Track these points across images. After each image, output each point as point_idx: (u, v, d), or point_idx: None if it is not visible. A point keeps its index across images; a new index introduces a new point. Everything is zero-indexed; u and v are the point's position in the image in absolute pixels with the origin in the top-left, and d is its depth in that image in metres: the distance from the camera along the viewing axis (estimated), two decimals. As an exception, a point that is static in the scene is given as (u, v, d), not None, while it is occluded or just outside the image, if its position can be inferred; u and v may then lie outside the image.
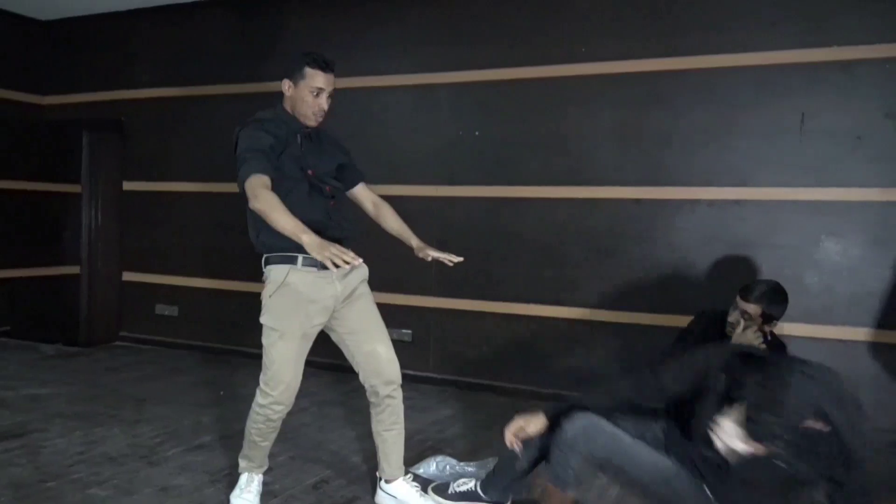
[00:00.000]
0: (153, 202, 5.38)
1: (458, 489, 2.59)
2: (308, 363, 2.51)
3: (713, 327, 2.82)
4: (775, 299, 2.64)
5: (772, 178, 3.74)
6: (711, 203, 3.87)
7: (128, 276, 5.52)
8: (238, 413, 3.62)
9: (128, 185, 5.46)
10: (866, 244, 3.58)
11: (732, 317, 2.67)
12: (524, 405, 4.01)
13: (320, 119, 2.48)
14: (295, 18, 4.84)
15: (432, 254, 2.59)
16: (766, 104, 3.74)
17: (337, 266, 2.10)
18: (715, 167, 3.85)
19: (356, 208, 2.73)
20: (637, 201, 4.01)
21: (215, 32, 5.10)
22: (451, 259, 2.59)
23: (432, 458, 2.96)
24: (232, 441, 3.18)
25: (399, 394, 2.64)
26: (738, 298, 2.67)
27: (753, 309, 2.61)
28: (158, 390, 4.16)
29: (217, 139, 5.05)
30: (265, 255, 2.45)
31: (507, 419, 3.75)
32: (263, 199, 2.23)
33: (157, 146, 5.34)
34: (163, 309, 5.39)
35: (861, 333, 3.58)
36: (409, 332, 4.54)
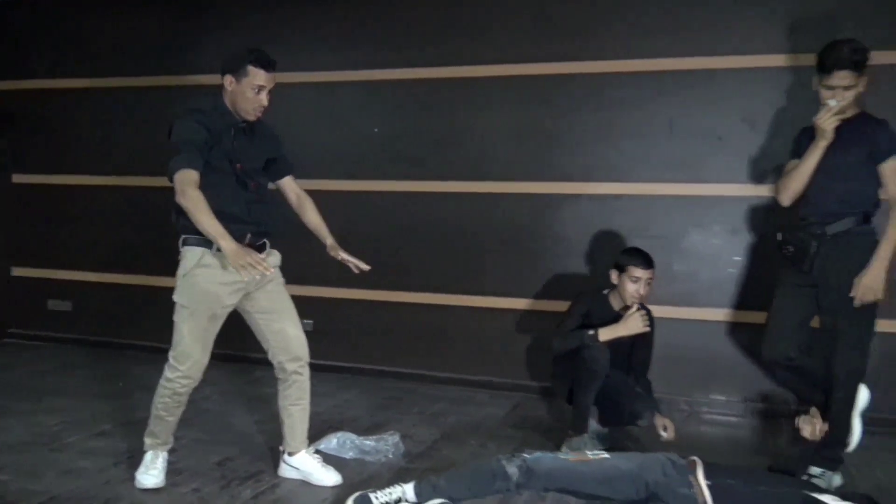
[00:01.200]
0: (47, 195, 5.26)
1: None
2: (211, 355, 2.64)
3: (595, 305, 3.38)
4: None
5: (646, 174, 4.10)
6: (592, 197, 4.20)
7: (17, 272, 5.38)
8: (138, 403, 3.68)
9: (18, 179, 5.32)
10: (725, 234, 4.00)
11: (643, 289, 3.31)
12: (425, 389, 4.28)
13: (259, 114, 2.62)
14: (200, 12, 4.86)
15: (343, 256, 2.77)
16: (641, 107, 4.09)
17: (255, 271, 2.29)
18: (596, 164, 4.18)
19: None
20: (528, 195, 4.29)
21: (116, 23, 5.04)
22: (359, 265, 2.77)
23: (333, 435, 3.13)
24: (134, 427, 3.21)
25: (306, 371, 2.80)
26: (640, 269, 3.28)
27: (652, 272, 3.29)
28: (55, 384, 4.12)
29: (115, 132, 5.05)
30: (183, 236, 2.56)
31: (407, 401, 4.00)
32: (190, 197, 2.37)
33: (51, 139, 5.23)
34: (56, 304, 5.29)
35: (720, 314, 4.00)
36: (311, 321, 4.65)
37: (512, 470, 2.35)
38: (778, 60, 3.85)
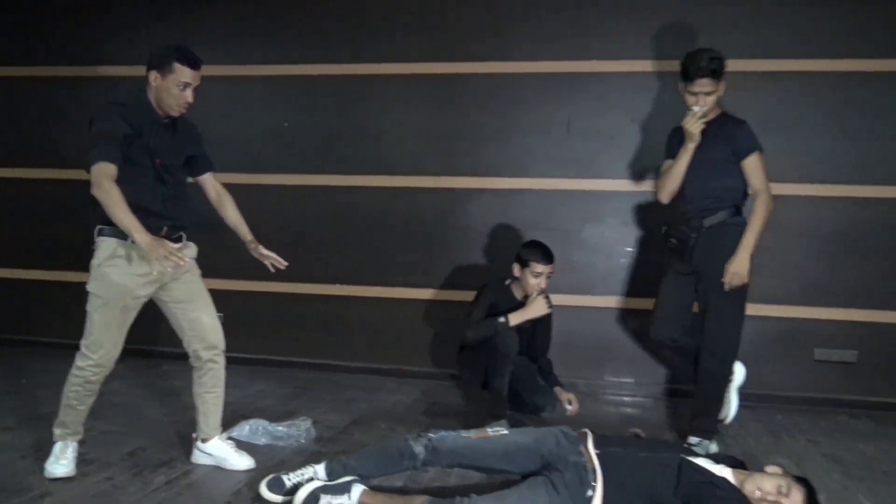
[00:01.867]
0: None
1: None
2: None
3: (499, 296, 3.58)
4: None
5: (545, 170, 4.35)
6: (495, 192, 4.41)
7: None
8: (42, 399, 3.65)
9: None
10: (617, 226, 4.30)
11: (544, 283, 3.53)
12: (336, 378, 4.39)
13: (184, 111, 2.65)
14: (111, 5, 4.77)
15: (263, 252, 2.85)
16: (540, 107, 4.33)
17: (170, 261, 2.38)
18: (499, 160, 4.40)
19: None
20: (434, 190, 4.46)
21: (21, 11, 4.88)
22: (278, 262, 2.86)
23: (245, 422, 3.21)
24: (39, 423, 3.16)
25: (221, 360, 2.87)
26: (541, 265, 3.48)
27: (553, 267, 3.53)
28: (-51, 382, 4.00)
29: (17, 123, 4.89)
30: (98, 226, 2.59)
31: (319, 390, 4.10)
32: (105, 190, 2.41)
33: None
34: (-53, 301, 5.09)
35: (613, 301, 4.30)
36: (221, 314, 4.66)
37: (418, 449, 2.51)
38: (661, 65, 4.17)
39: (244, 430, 3.16)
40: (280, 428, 3.17)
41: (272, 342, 4.71)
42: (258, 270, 4.60)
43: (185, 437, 3.05)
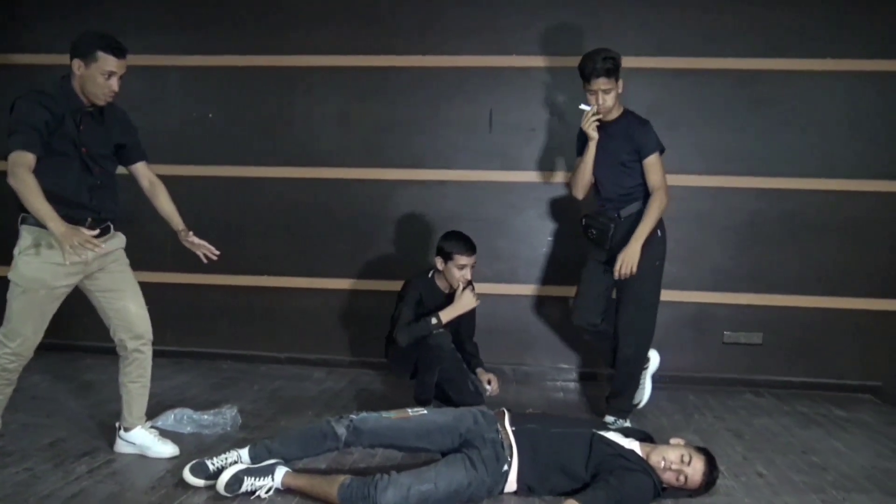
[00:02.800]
0: None
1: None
2: (40, 345, 2.68)
3: (424, 290, 3.59)
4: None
5: (469, 162, 4.45)
6: (421, 183, 4.49)
7: None
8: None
9: None
10: (537, 217, 4.44)
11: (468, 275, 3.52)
12: (263, 369, 4.40)
13: (109, 99, 2.61)
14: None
15: (195, 241, 2.85)
16: (464, 100, 4.43)
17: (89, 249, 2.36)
18: (424, 152, 4.49)
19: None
20: (360, 181, 4.51)
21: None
22: (210, 252, 2.86)
23: (170, 411, 3.22)
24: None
25: (148, 350, 2.87)
26: (465, 256, 3.47)
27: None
28: None
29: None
30: (22, 215, 2.56)
31: (246, 381, 4.10)
32: (20, 179, 2.38)
33: None
34: None
35: (533, 289, 4.45)
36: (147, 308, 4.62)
37: (340, 430, 2.57)
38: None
39: (169, 419, 3.17)
40: (205, 416, 3.18)
41: (198, 335, 4.68)
42: (182, 262, 4.60)
43: (108, 429, 3.04)
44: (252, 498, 2.44)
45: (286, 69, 4.51)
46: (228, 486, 2.42)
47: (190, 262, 4.56)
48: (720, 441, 3.29)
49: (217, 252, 2.89)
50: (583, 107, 3.38)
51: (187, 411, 3.20)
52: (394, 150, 4.50)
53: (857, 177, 4.25)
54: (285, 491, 2.49)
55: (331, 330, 4.60)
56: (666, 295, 4.29)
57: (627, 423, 3.47)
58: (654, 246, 3.36)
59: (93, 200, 2.64)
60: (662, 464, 2.54)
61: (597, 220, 3.48)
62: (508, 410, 2.74)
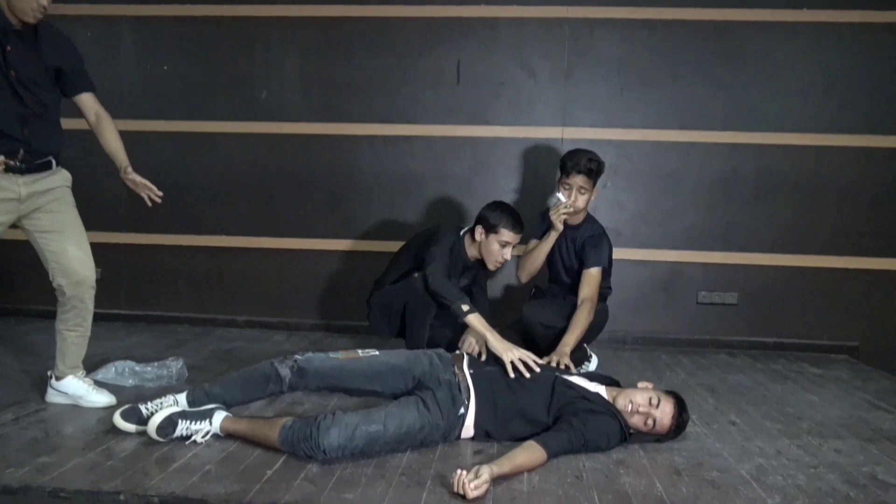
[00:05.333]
0: None
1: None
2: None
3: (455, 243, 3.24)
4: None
5: (435, 117, 4.29)
6: (386, 139, 4.32)
7: None
8: None
9: None
10: (507, 174, 4.28)
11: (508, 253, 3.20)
12: (220, 332, 4.21)
13: (39, 16, 2.39)
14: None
15: (138, 179, 2.65)
16: (429, 53, 4.26)
17: None
18: (388, 107, 4.31)
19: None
20: (322, 137, 4.32)
21: None
22: (153, 193, 2.66)
23: (110, 364, 3.02)
24: None
25: (89, 297, 2.66)
26: (512, 233, 3.17)
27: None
28: None
29: None
30: None
31: (200, 342, 3.91)
32: None
33: None
34: None
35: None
36: (99, 269, 4.41)
37: (284, 371, 2.40)
38: (549, 11, 4.17)
39: (109, 372, 2.98)
40: (148, 368, 3.00)
41: (153, 297, 4.48)
42: (137, 222, 4.42)
43: (44, 384, 2.83)
44: (187, 443, 2.26)
45: (243, 19, 4.32)
46: (161, 429, 2.24)
47: (145, 221, 4.42)
48: (692, 395, 3.16)
49: (160, 193, 2.69)
50: (559, 196, 3.30)
51: (129, 363, 3.01)
52: (356, 104, 4.33)
53: (833, 132, 4.15)
54: (225, 436, 2.31)
55: (292, 292, 4.42)
56: (638, 255, 4.22)
57: (592, 363, 3.34)
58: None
59: (25, 131, 2.43)
60: (630, 407, 2.40)
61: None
62: (467, 353, 2.58)
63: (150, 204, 2.71)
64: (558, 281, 3.53)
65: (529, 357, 2.54)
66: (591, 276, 3.28)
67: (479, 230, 3.19)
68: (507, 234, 3.13)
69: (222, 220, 4.42)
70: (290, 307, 4.42)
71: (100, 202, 4.29)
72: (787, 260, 4.22)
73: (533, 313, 3.30)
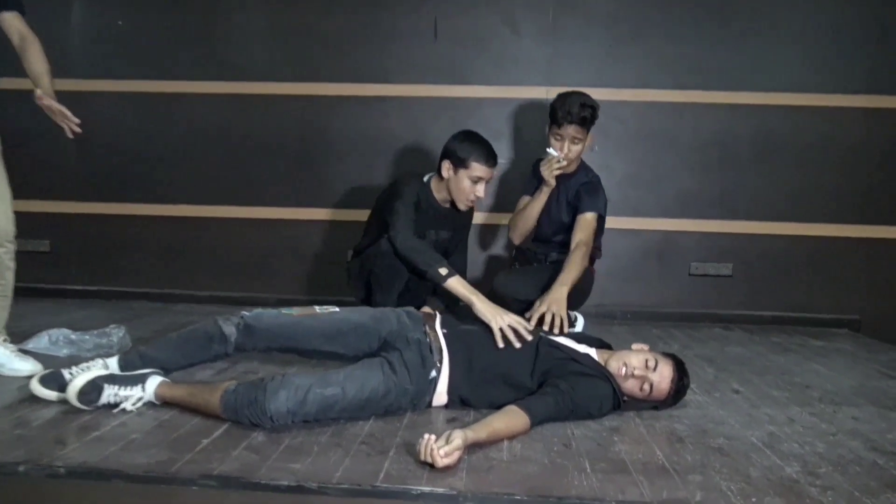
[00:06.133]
0: None
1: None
2: None
3: (420, 193, 2.89)
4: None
5: (412, 76, 3.99)
6: (359, 100, 4.02)
7: None
8: None
9: None
10: (490, 136, 3.90)
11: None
12: (179, 308, 3.90)
13: None
14: None
15: (55, 106, 2.31)
16: (404, 8, 3.96)
17: None
18: (361, 66, 4.01)
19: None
20: (292, 98, 4.02)
21: None
22: (70, 120, 2.33)
23: (44, 332, 2.70)
24: None
25: (8, 257, 2.36)
26: (485, 167, 2.82)
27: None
28: None
29: None
30: None
31: (155, 317, 3.59)
32: None
33: None
34: None
35: (482, 217, 4.00)
36: (47, 241, 4.10)
37: (229, 329, 2.10)
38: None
39: (42, 340, 2.66)
40: (87, 337, 2.68)
41: (107, 271, 4.15)
42: (88, 189, 4.09)
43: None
44: (115, 411, 1.95)
45: (204, -31, 4.00)
46: (83, 394, 1.93)
47: (98, 189, 4.10)
48: (689, 365, 2.76)
49: (77, 121, 2.36)
50: (550, 151, 3.02)
51: (64, 331, 2.69)
52: (327, 63, 4.02)
53: (837, 91, 3.89)
54: (161, 404, 2.01)
55: (259, 265, 4.11)
56: (628, 223, 3.96)
57: (579, 322, 3.07)
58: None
59: None
60: (624, 370, 2.12)
61: (524, 257, 3.34)
62: (440, 312, 2.29)
63: (70, 135, 2.37)
64: (545, 239, 3.25)
65: (520, 323, 2.24)
66: (587, 220, 3.00)
67: (446, 166, 2.83)
68: (478, 168, 2.79)
69: (183, 187, 4.11)
70: (256, 281, 4.11)
71: (48, 168, 3.97)
72: (785, 228, 3.96)
73: (504, 286, 3.01)
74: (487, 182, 2.84)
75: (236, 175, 4.08)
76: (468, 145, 2.80)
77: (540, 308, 2.55)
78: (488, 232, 4.05)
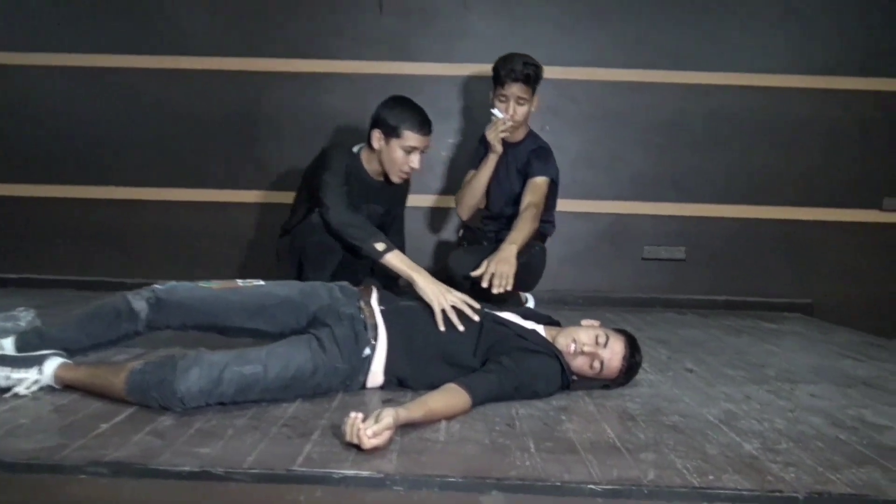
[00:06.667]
0: None
1: None
2: None
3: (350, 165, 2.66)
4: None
5: (356, 51, 3.81)
6: (301, 76, 3.82)
7: None
8: None
9: None
10: (437, 116, 3.75)
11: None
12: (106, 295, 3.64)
13: None
14: None
15: None
16: (348, -24, 3.78)
17: None
18: (302, 39, 3.82)
19: None
20: (231, 73, 3.80)
21: None
22: None
23: (-61, 315, 2.44)
24: None
25: None
26: (419, 135, 2.59)
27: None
28: None
29: None
30: None
31: (75, 306, 3.32)
32: None
33: None
34: None
35: (430, 200, 3.87)
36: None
37: (139, 304, 1.90)
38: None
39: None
40: (-12, 319, 2.42)
41: (28, 258, 3.87)
42: (10, 170, 3.82)
43: None
44: (7, 396, 1.73)
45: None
46: (-33, 376, 1.71)
47: (20, 170, 3.83)
48: (641, 346, 2.71)
49: None
50: (496, 112, 2.91)
51: (-37, 313, 2.43)
52: (269, 37, 3.81)
53: (791, 72, 3.83)
54: (62, 388, 1.80)
55: (199, 249, 3.88)
56: (581, 206, 3.85)
57: (530, 301, 2.93)
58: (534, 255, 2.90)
59: None
60: (572, 347, 1.98)
61: (473, 235, 3.18)
62: (377, 288, 2.12)
63: None
64: (495, 214, 3.11)
65: (466, 302, 2.07)
66: (537, 184, 2.88)
67: (376, 135, 2.59)
68: (411, 137, 2.55)
69: (114, 168, 3.86)
70: (192, 267, 3.86)
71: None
72: (738, 211, 3.89)
73: (458, 264, 2.85)
74: (423, 152, 2.62)
75: (171, 155, 3.85)
76: (399, 112, 2.57)
77: (487, 267, 2.42)
78: (437, 216, 3.90)
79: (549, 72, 3.62)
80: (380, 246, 2.29)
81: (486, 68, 3.62)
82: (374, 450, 1.45)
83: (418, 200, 3.84)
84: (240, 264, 3.87)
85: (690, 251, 3.91)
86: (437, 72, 3.82)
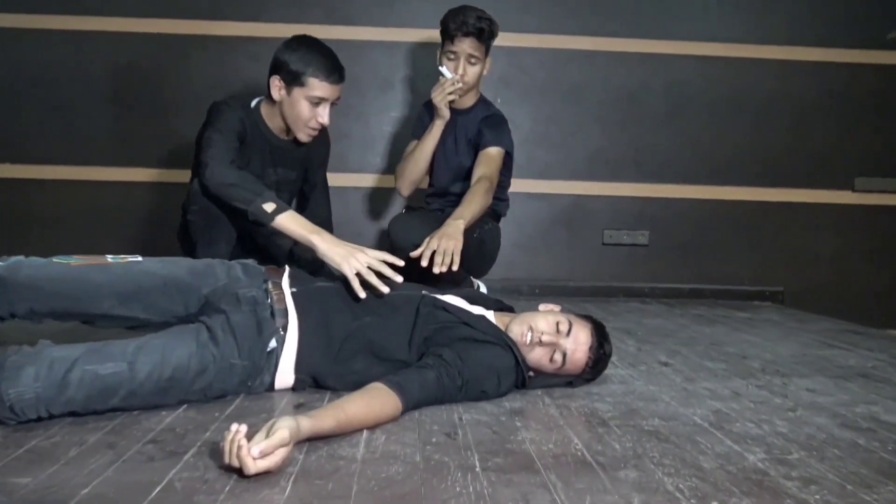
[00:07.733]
0: None
1: None
2: None
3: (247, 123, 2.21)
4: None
5: (283, 13, 3.43)
6: (222, 40, 3.41)
7: None
8: None
9: None
10: (377, 88, 3.50)
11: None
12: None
13: None
14: None
15: None
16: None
17: None
18: (225, 0, 3.40)
19: None
20: (140, 35, 3.36)
21: None
22: None
23: None
24: None
25: None
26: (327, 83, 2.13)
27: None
28: None
29: None
30: None
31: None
32: None
33: None
34: None
35: (370, 180, 3.52)
36: None
37: (-33, 286, 1.47)
38: None
39: None
40: None
41: None
42: None
43: None
44: None
45: None
46: None
47: None
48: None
49: None
50: (443, 71, 2.54)
51: None
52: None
53: (757, 42, 3.58)
54: None
55: (101, 231, 3.43)
56: (534, 186, 3.54)
57: (481, 286, 2.59)
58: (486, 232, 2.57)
59: None
60: (529, 336, 1.62)
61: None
62: (290, 268, 1.73)
63: None
64: (441, 191, 2.76)
65: (384, 261, 1.69)
66: (490, 155, 2.53)
67: (276, 83, 2.13)
68: (318, 86, 2.09)
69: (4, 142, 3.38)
70: (83, 250, 3.40)
71: None
72: (703, 192, 3.62)
73: (399, 232, 2.47)
74: (333, 104, 2.16)
75: (58, 129, 3.40)
76: (304, 55, 2.11)
77: (430, 244, 2.03)
78: (379, 197, 3.53)
79: (498, 39, 3.28)
80: (268, 206, 1.83)
81: (433, 34, 3.26)
82: (263, 474, 1.06)
83: (358, 180, 3.50)
84: (133, 246, 3.42)
85: (653, 236, 3.61)
86: (376, 37, 3.48)
